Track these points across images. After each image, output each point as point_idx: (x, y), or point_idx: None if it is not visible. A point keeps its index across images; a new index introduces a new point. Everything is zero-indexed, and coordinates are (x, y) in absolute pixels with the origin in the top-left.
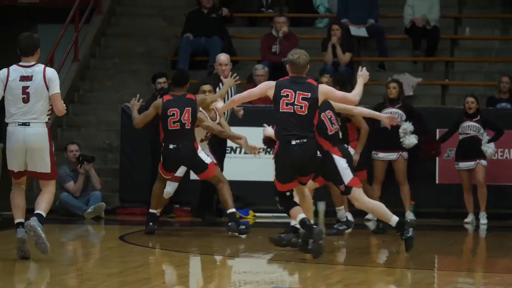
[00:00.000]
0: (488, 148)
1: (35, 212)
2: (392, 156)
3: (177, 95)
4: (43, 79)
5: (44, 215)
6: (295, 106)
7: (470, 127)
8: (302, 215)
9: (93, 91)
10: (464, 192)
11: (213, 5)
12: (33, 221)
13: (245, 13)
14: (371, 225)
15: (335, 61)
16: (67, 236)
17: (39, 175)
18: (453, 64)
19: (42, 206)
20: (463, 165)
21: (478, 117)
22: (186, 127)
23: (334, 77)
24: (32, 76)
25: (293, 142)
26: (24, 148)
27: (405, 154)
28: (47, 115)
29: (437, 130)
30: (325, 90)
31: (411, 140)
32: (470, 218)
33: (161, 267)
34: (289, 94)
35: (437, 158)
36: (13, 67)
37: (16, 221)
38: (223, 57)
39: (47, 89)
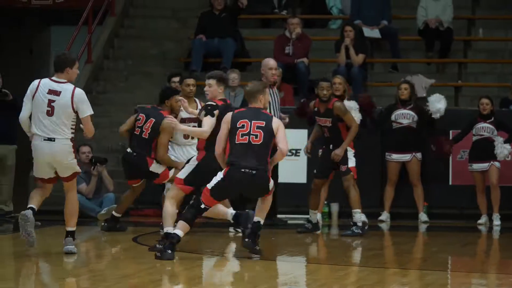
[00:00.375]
0: (504, 149)
1: (67, 229)
2: (406, 157)
3: (154, 107)
4: (71, 98)
5: (74, 229)
6: (250, 136)
7: (484, 128)
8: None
9: (106, 93)
10: (478, 193)
11: (225, 5)
12: (69, 243)
13: (258, 15)
14: (385, 226)
15: (348, 63)
16: (80, 238)
17: (64, 179)
18: (466, 65)
19: (71, 221)
20: (477, 166)
21: (492, 119)
22: (143, 136)
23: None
24: (60, 92)
25: (242, 170)
26: (51, 161)
27: (418, 155)
28: (71, 132)
29: (450, 131)
30: (277, 124)
31: (437, 105)
32: (483, 219)
33: (174, 268)
34: (245, 124)
35: (450, 159)
36: (44, 80)
37: (29, 205)
38: (272, 62)
39: (73, 108)
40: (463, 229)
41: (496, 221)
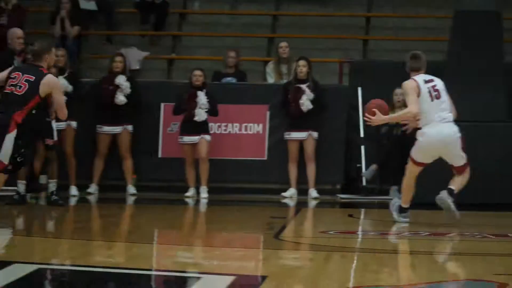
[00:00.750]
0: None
1: None
2: (117, 129)
3: None
4: None
5: None
6: (16, 87)
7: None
8: None
9: None
10: (187, 166)
11: None
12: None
13: None
14: (93, 198)
15: (63, 35)
16: None
17: None
18: (181, 38)
19: None
20: (187, 139)
21: (204, 91)
22: None
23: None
24: None
25: None
26: None
27: (129, 127)
28: None
29: (163, 104)
30: (50, 83)
31: None
32: (191, 192)
33: None
34: (17, 76)
35: (160, 132)
36: None
37: None
38: (19, 31)
39: None
40: (171, 202)
41: (204, 194)
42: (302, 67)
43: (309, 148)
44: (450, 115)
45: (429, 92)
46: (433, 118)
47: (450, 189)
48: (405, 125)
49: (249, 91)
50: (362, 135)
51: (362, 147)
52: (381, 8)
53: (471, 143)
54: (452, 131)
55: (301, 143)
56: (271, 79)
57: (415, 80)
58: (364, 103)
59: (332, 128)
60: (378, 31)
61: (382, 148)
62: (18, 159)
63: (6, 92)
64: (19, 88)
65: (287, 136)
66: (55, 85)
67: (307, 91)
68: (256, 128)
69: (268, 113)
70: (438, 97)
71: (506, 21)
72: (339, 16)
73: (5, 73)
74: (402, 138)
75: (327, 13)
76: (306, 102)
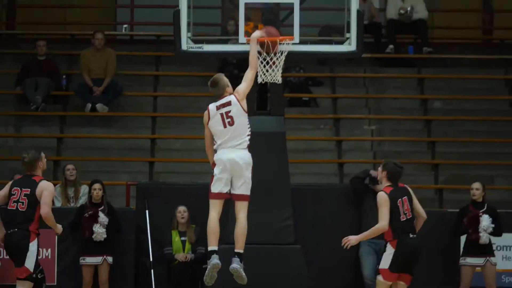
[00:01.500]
0: None
1: None
2: None
3: None
4: None
5: None
6: (18, 203)
7: None
8: None
9: None
10: None
11: None
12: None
13: None
14: None
15: None
16: None
17: None
18: None
19: None
20: None
21: None
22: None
23: None
24: None
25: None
26: None
27: None
28: None
29: None
30: (41, 188)
31: None
32: None
33: None
34: (16, 192)
35: None
36: None
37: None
38: None
39: None
40: None
41: None
42: (98, 190)
43: (104, 274)
44: (243, 142)
45: (222, 117)
46: (225, 145)
47: (239, 253)
48: None
49: None
50: (151, 258)
51: (152, 271)
52: (166, 130)
53: (259, 267)
54: (243, 155)
55: (95, 268)
56: (58, 203)
57: (208, 109)
58: (151, 225)
59: (122, 252)
60: (164, 152)
61: (174, 272)
62: (39, 276)
63: (11, 209)
64: (22, 204)
65: (82, 261)
66: (47, 187)
67: (102, 215)
68: (44, 253)
69: (56, 238)
70: (231, 123)
71: (290, 142)
72: (125, 139)
73: (6, 189)
74: (190, 262)
75: (113, 135)
76: (99, 230)
